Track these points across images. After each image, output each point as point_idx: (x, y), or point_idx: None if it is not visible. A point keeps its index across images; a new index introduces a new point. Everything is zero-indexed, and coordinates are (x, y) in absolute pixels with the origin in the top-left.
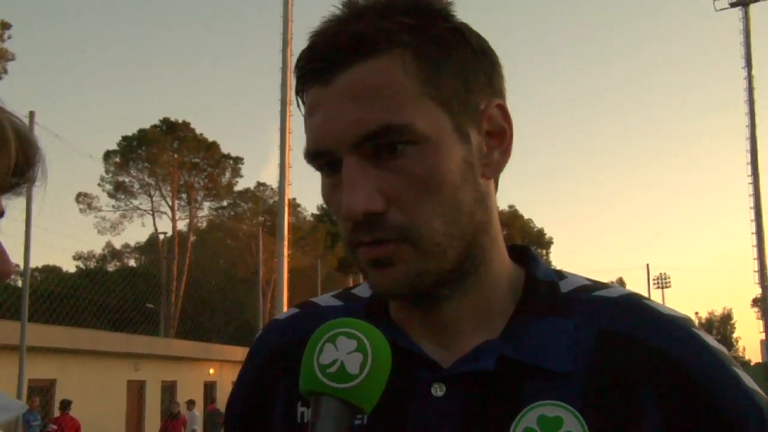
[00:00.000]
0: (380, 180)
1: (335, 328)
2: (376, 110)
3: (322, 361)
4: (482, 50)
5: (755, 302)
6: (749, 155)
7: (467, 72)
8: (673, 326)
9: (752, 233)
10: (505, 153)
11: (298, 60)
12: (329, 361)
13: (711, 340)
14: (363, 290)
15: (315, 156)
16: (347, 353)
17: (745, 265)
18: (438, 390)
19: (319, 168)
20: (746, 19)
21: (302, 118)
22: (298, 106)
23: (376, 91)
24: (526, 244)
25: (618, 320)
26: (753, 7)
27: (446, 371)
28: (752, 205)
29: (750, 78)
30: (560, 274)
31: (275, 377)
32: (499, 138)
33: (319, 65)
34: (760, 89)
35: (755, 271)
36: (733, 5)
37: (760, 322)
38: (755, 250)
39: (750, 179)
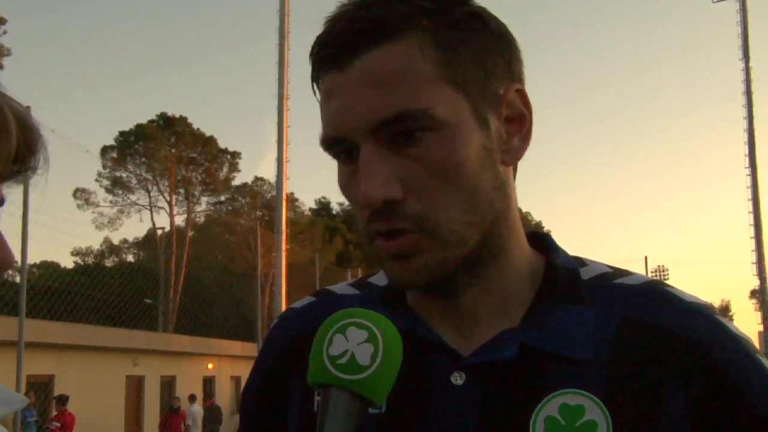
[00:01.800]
0: (398, 167)
1: (345, 318)
2: (394, 96)
3: (331, 352)
4: (501, 34)
5: (753, 294)
6: (747, 147)
7: (486, 57)
8: (696, 313)
9: (750, 225)
10: (525, 139)
11: (314, 45)
12: (339, 353)
13: (735, 328)
14: (379, 279)
15: (331, 143)
16: (357, 344)
17: (742, 257)
18: (458, 379)
19: (335, 155)
20: (743, 10)
21: (299, 113)
22: (314, 92)
23: (393, 76)
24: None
25: (640, 307)
26: None
27: (466, 360)
28: (750, 196)
29: (747, 70)
30: (581, 261)
31: (291, 366)
32: (518, 124)
33: (336, 50)
34: (757, 81)
35: (753, 263)
36: None
37: (758, 314)
38: (753, 241)
39: (748, 171)
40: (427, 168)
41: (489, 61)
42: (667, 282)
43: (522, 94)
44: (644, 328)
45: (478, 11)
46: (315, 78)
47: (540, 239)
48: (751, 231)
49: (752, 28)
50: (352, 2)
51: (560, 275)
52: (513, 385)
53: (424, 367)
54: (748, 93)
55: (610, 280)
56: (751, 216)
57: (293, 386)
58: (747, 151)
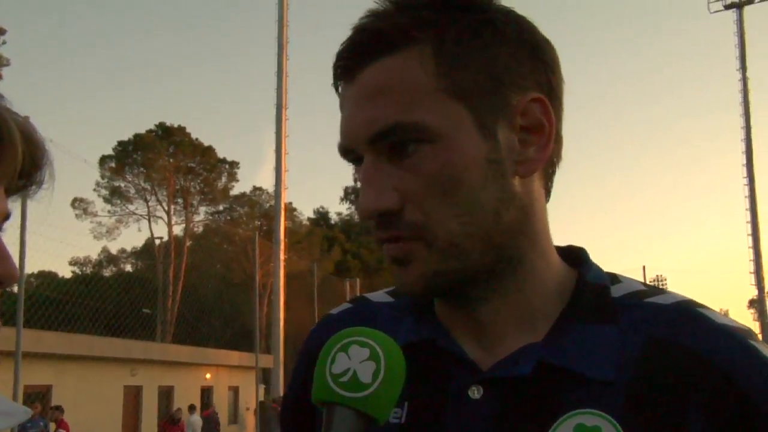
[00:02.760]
0: (396, 178)
1: (348, 336)
2: (387, 108)
3: (334, 370)
4: (521, 41)
5: (751, 303)
6: (745, 156)
7: (496, 65)
8: (726, 336)
9: (748, 234)
10: (543, 149)
11: (335, 54)
12: (342, 371)
13: None
14: None
15: (343, 152)
16: (360, 362)
17: (741, 267)
18: (475, 392)
19: (351, 162)
20: (740, 21)
21: (298, 123)
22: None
23: (388, 89)
24: None
25: (668, 328)
26: (747, 10)
27: (484, 374)
28: (748, 206)
29: (745, 79)
30: (615, 278)
31: None
32: (537, 134)
33: (345, 62)
34: (754, 91)
35: (751, 273)
36: (727, 7)
37: (757, 324)
38: (751, 251)
39: (745, 180)
40: (423, 179)
41: (500, 70)
42: (701, 303)
43: (541, 103)
44: (670, 349)
45: (492, 19)
46: (336, 87)
47: (574, 254)
48: (749, 240)
49: (749, 38)
50: (372, 12)
51: (589, 292)
52: (530, 402)
53: (444, 379)
54: (746, 103)
55: (641, 299)
56: (749, 225)
57: None
58: (745, 161)
